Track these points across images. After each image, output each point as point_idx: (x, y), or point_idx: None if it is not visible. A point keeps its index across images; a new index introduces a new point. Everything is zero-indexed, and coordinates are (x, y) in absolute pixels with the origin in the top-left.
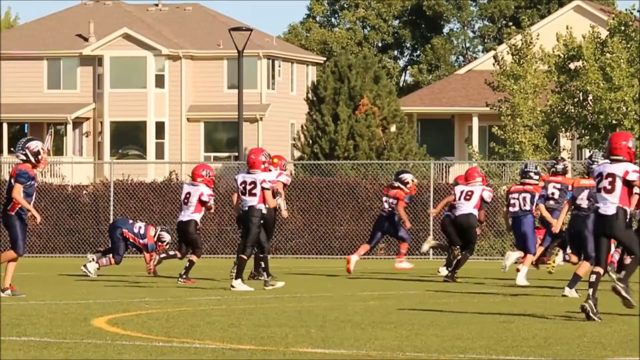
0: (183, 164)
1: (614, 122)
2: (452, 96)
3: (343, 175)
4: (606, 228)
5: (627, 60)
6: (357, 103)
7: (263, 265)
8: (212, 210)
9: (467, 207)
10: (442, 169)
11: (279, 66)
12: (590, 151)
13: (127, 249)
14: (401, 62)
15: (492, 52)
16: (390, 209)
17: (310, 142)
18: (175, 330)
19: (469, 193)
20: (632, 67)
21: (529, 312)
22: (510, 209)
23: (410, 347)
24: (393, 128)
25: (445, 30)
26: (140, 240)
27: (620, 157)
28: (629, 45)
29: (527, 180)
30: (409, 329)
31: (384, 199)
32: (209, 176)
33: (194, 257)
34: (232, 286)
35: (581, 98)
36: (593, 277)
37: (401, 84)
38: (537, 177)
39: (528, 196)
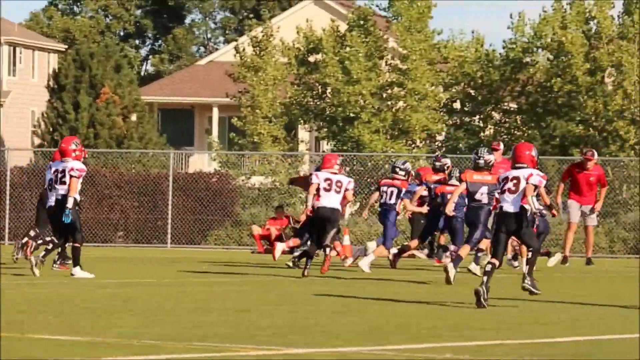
0: None
1: (351, 114)
2: (192, 86)
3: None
4: (508, 225)
5: (365, 54)
6: (98, 92)
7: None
8: None
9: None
10: (182, 159)
11: (20, 53)
12: (327, 143)
13: None
14: (143, 52)
15: (233, 44)
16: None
17: (51, 129)
18: None
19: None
20: (370, 61)
21: (274, 300)
22: (381, 200)
23: (148, 335)
24: (133, 117)
25: (187, 20)
26: None
27: (524, 165)
28: (367, 40)
29: (395, 176)
30: (149, 317)
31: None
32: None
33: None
34: (72, 274)
35: (320, 90)
36: (489, 267)
37: (142, 74)
38: (403, 173)
39: (395, 190)
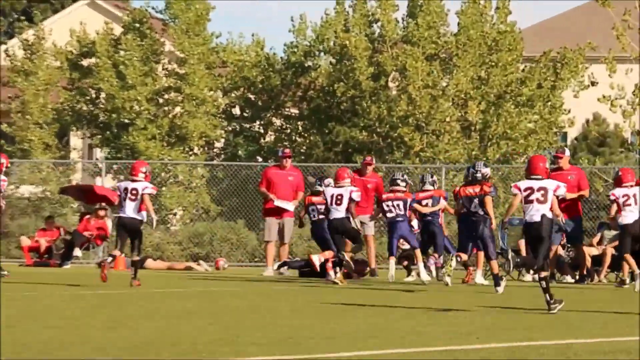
0: None
1: (126, 121)
2: None
3: None
4: (535, 231)
5: (141, 58)
6: None
7: None
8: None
9: (340, 212)
10: None
11: None
12: (101, 150)
13: None
14: None
15: (3, 47)
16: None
17: None
18: None
19: (339, 197)
20: (146, 65)
21: (40, 314)
22: (388, 214)
23: None
24: None
25: None
26: None
27: (539, 177)
28: (143, 43)
29: (396, 188)
30: None
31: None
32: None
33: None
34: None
35: (94, 96)
36: (544, 284)
37: None
38: (404, 184)
39: (401, 203)
